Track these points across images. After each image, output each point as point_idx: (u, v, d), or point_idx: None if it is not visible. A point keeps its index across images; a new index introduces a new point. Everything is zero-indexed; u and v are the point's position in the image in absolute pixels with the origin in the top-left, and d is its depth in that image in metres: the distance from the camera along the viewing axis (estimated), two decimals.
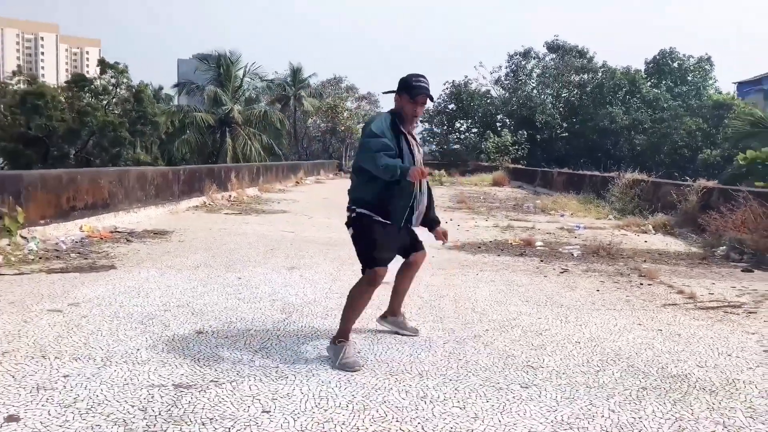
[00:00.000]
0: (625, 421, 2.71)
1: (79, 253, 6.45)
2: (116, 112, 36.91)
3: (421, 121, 52.61)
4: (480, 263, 6.80)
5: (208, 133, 36.90)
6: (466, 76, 47.92)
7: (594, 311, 4.73)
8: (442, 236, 3.86)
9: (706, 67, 44.03)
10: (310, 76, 46.53)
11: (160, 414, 2.66)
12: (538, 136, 42.70)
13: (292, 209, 12.72)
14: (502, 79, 48.66)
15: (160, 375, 3.11)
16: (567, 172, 20.05)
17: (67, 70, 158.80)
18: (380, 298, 3.94)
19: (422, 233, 3.87)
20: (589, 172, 18.63)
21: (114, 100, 38.13)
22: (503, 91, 48.04)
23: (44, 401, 2.75)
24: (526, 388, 3.08)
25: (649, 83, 43.81)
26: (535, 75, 48.42)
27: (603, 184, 14.79)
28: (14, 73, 39.31)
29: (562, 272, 6.37)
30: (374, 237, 3.43)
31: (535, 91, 46.56)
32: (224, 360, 3.37)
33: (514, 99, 45.70)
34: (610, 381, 3.20)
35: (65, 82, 40.94)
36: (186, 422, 2.59)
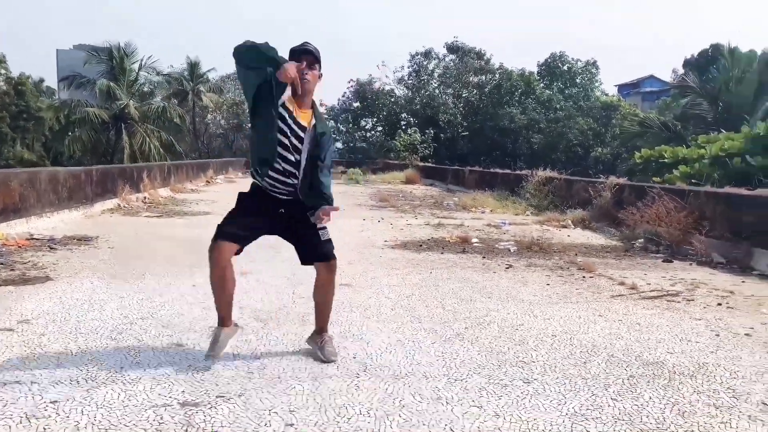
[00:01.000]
0: (630, 409, 2.90)
1: (1, 263, 5.84)
2: None
3: (327, 118, 52.57)
4: (428, 261, 6.93)
5: (102, 130, 34.57)
6: (370, 75, 48.34)
7: (553, 304, 4.98)
8: (322, 215, 3.28)
9: (592, 70, 47.28)
10: (209, 71, 44.92)
11: None
12: (442, 135, 43.96)
13: (213, 210, 12.23)
14: (405, 78, 49.61)
15: (159, 393, 2.91)
16: (478, 170, 20.82)
17: None
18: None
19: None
20: (501, 171, 19.47)
21: None
22: (407, 91, 48.98)
23: (41, 431, 2.49)
24: (529, 383, 3.20)
25: (542, 84, 46.45)
26: (436, 75, 49.79)
27: (516, 182, 15.51)
28: None
29: (507, 268, 6.63)
30: (233, 208, 3.37)
31: (437, 91, 47.86)
32: (220, 374, 3.21)
33: (417, 98, 46.72)
34: (600, 372, 3.40)
35: None
36: None
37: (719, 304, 5.09)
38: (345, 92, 49.76)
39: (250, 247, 3.52)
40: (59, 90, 51.23)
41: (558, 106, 42.58)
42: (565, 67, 47.66)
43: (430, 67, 49.92)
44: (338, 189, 17.97)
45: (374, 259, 6.96)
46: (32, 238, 7.36)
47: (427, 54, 49.82)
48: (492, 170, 20.26)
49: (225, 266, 3.28)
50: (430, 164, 30.41)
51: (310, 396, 2.95)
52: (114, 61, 35.09)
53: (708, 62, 36.13)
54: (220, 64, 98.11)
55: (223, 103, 42.33)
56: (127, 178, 12.82)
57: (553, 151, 36.42)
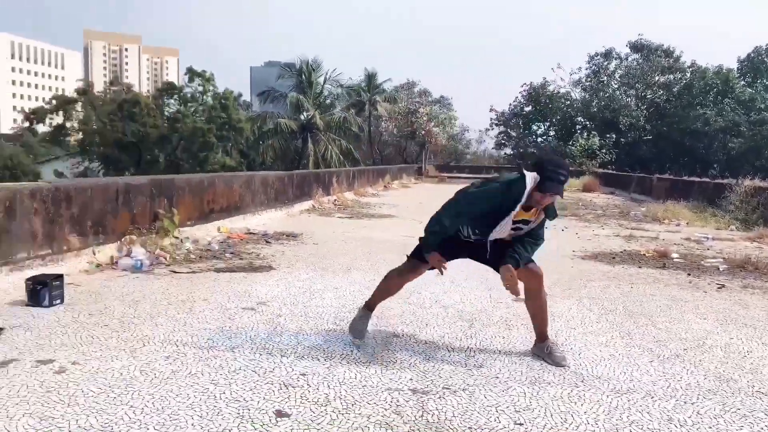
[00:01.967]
0: None
1: (232, 253, 6.72)
2: (203, 118, 38.47)
3: (496, 125, 52.04)
4: (626, 275, 6.58)
5: (291, 139, 37.93)
6: (544, 78, 47.00)
7: None
8: (509, 279, 3.35)
9: None
10: (384, 81, 46.86)
11: (416, 420, 2.70)
12: (622, 140, 41.30)
13: (397, 214, 12.82)
14: (583, 80, 47.43)
15: (390, 378, 3.17)
16: (669, 178, 19.19)
17: (148, 79, 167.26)
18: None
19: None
20: (697, 179, 17.76)
21: (201, 107, 39.79)
22: (584, 93, 46.79)
23: (299, 398, 2.85)
24: None
25: (742, 82, 41.53)
26: (617, 76, 46.91)
27: (716, 192, 14.07)
28: (112, 83, 41.78)
29: (719, 288, 6.07)
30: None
31: (618, 93, 45.06)
32: (440, 366, 3.39)
33: (595, 101, 44.41)
34: None
35: (156, 90, 43.05)
36: (447, 430, 2.61)
37: None
38: (516, 96, 48.97)
39: None
40: (252, 103, 57.26)
41: (762, 105, 37.74)
42: None
43: (611, 67, 47.21)
44: None
45: (565, 270, 6.79)
46: (250, 233, 8.34)
47: (608, 54, 47.21)
48: (686, 178, 18.54)
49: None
50: (610, 171, 28.69)
51: (533, 399, 2.99)
52: (303, 75, 38.36)
53: None
54: (393, 74, 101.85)
55: (397, 113, 43.92)
56: (320, 182, 13.99)
57: (756, 157, 32.33)
